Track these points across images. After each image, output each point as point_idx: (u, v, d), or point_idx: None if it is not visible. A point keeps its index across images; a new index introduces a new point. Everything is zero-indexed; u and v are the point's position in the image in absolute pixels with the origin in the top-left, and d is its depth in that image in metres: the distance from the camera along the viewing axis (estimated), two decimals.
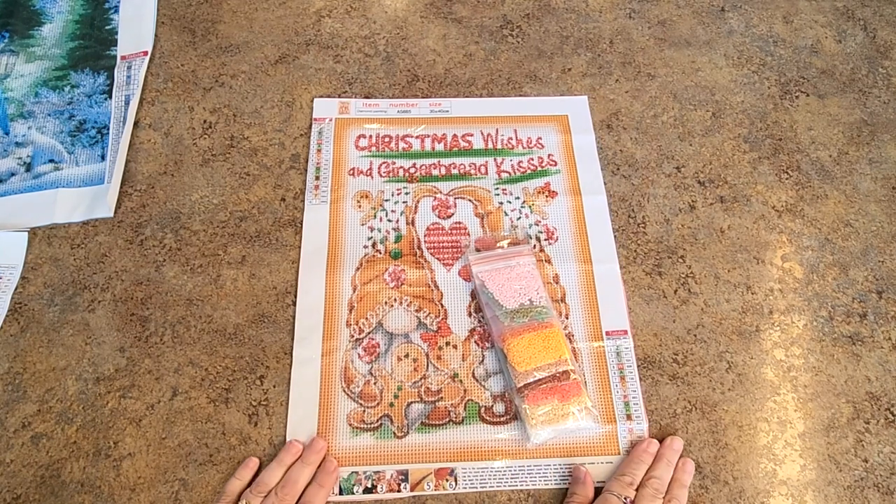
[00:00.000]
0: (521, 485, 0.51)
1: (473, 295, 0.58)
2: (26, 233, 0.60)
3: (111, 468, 0.51)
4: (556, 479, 0.51)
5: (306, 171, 0.65)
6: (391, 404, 0.54)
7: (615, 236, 0.62)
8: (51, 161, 0.65)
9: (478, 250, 0.59)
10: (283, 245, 0.61)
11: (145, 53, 0.71)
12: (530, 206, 0.63)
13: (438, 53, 0.73)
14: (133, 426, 0.52)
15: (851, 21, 0.78)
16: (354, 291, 0.58)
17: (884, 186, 0.66)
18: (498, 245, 0.60)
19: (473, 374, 0.55)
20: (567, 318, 0.58)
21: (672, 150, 0.67)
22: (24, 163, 0.65)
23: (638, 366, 0.56)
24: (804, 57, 0.74)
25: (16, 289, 0.58)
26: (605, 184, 0.65)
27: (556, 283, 0.59)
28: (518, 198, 0.64)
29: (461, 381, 0.55)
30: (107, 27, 0.74)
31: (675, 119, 0.69)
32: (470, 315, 0.57)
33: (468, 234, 0.61)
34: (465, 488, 0.51)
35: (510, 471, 0.51)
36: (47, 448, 0.51)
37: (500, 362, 0.55)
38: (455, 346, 0.56)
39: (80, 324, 0.56)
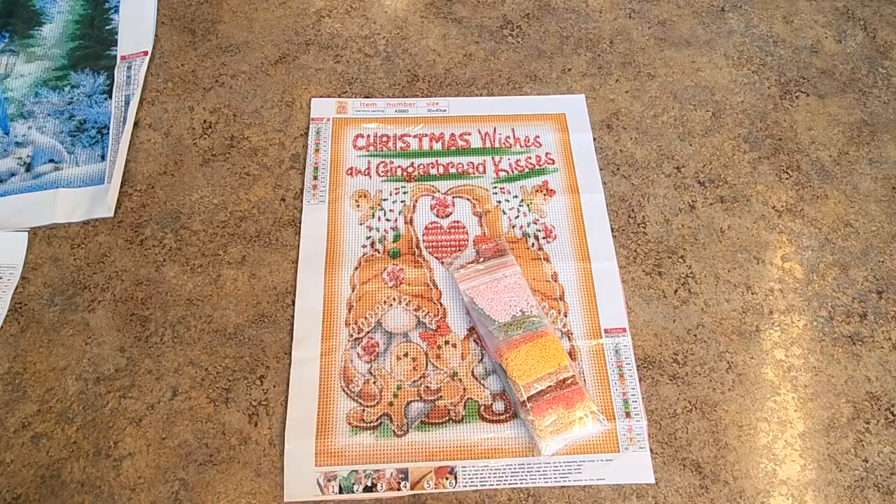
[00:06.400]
0: (522, 483, 0.51)
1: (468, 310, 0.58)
2: (26, 233, 0.60)
3: (111, 468, 0.51)
4: (556, 478, 0.51)
5: (305, 165, 0.65)
6: (391, 403, 0.54)
7: (614, 235, 0.62)
8: (51, 161, 0.65)
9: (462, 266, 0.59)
10: (282, 245, 0.61)
11: (145, 53, 0.71)
12: (528, 205, 0.63)
13: (438, 53, 0.73)
14: (133, 426, 0.52)
15: (851, 21, 0.78)
16: (353, 291, 0.58)
17: (884, 186, 0.66)
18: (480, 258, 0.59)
19: (472, 372, 0.55)
20: (566, 317, 0.58)
21: (672, 150, 0.67)
22: (24, 163, 0.65)
23: (638, 366, 0.56)
24: (804, 57, 0.74)
25: (16, 289, 0.58)
26: (604, 184, 0.65)
27: (555, 281, 0.59)
28: (516, 196, 0.64)
29: (460, 379, 0.55)
30: (107, 27, 0.74)
31: (675, 119, 0.69)
32: (468, 313, 0.57)
33: (466, 233, 0.61)
34: (465, 487, 0.51)
35: (510, 469, 0.51)
36: (47, 448, 0.51)
37: (501, 378, 0.54)
38: (454, 345, 0.56)
39: (80, 324, 0.56)
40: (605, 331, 0.57)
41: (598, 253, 0.61)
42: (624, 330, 0.57)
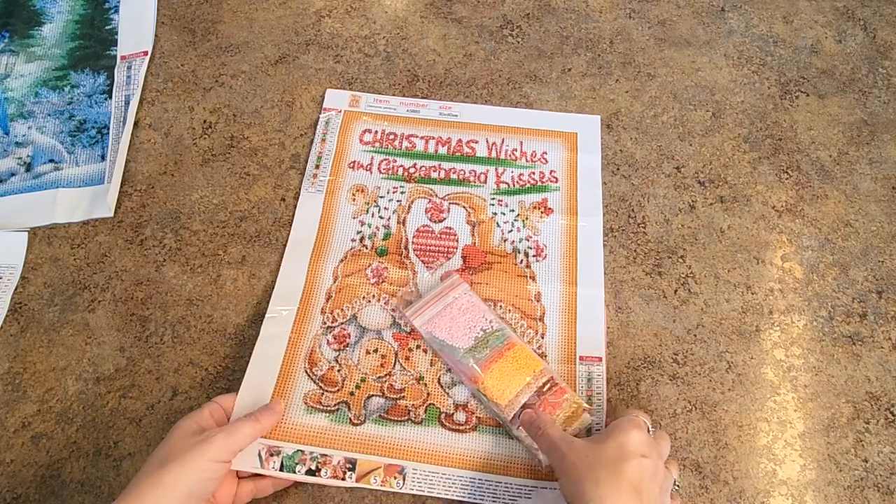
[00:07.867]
0: (469, 497, 0.49)
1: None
2: (26, 233, 0.60)
3: (111, 468, 0.51)
4: (506, 498, 0.49)
5: (306, 165, 0.65)
6: (352, 393, 0.53)
7: (614, 235, 0.62)
8: (51, 161, 0.65)
9: (410, 302, 0.56)
10: (282, 245, 0.61)
11: (145, 53, 0.71)
12: (523, 221, 0.62)
13: (438, 53, 0.73)
14: (133, 426, 0.52)
15: (851, 21, 0.78)
16: (335, 282, 0.58)
17: (884, 186, 0.66)
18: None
19: (439, 380, 0.54)
20: (542, 338, 0.56)
21: (672, 150, 0.67)
22: (24, 163, 0.65)
23: (638, 366, 0.56)
24: (804, 57, 0.74)
25: (16, 289, 0.58)
26: (604, 183, 0.65)
27: (538, 301, 0.58)
28: (513, 210, 0.63)
29: (426, 384, 0.54)
30: (107, 27, 0.74)
31: (675, 119, 0.69)
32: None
33: (457, 241, 0.61)
34: (412, 489, 0.49)
35: (461, 481, 0.49)
36: (47, 448, 0.51)
37: (482, 402, 0.52)
38: (425, 351, 0.55)
39: (80, 324, 0.56)
40: (580, 358, 0.55)
41: (586, 279, 0.59)
42: (600, 360, 0.55)
